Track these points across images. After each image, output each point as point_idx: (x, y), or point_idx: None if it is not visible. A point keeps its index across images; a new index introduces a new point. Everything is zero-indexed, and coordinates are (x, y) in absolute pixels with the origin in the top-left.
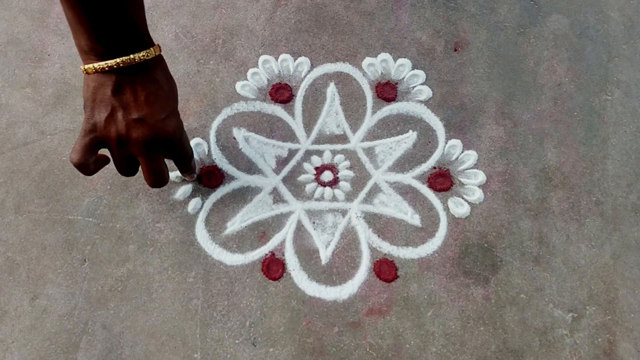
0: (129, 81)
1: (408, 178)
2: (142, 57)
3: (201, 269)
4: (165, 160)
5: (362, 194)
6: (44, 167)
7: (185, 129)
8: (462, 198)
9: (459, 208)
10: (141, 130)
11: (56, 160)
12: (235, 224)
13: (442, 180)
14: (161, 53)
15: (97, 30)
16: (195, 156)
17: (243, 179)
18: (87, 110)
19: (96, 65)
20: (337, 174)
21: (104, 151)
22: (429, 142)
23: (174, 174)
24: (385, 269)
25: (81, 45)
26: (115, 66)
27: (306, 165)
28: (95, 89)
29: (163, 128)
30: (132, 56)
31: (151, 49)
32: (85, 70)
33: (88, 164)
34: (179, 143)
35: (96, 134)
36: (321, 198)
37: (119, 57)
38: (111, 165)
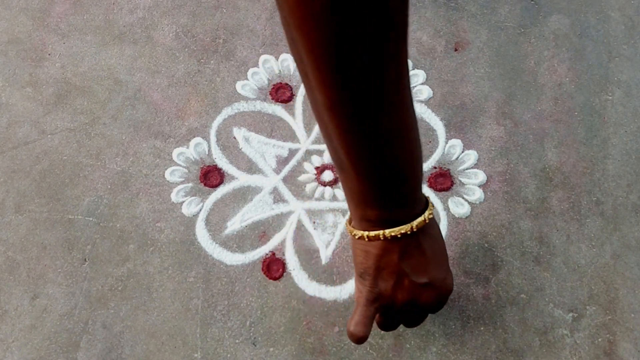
0: (415, 244)
1: None
2: (429, 217)
3: (201, 268)
4: None
5: None
6: (45, 166)
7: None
8: (463, 198)
9: (459, 208)
10: (429, 294)
11: (56, 160)
12: (236, 223)
13: (443, 180)
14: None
15: (390, 200)
16: (196, 156)
17: (243, 178)
18: (368, 279)
19: (387, 232)
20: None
21: None
22: (429, 141)
23: None
24: None
25: (367, 216)
26: (409, 232)
27: (306, 165)
28: (379, 257)
29: (446, 288)
30: (423, 217)
31: (429, 204)
32: (367, 237)
33: (367, 336)
34: (448, 296)
35: (380, 303)
36: (321, 198)
37: (408, 222)
38: (111, 165)
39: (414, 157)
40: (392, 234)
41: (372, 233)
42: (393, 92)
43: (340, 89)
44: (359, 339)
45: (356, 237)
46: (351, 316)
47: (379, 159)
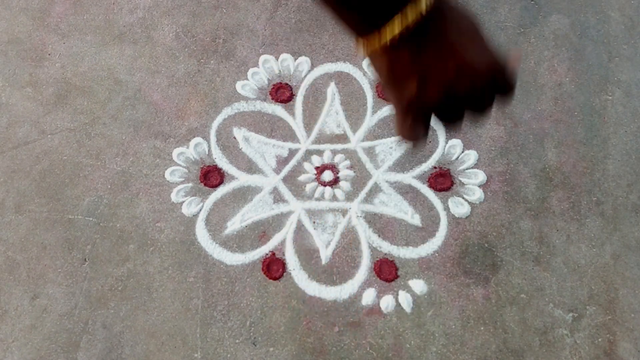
0: (424, 40)
1: (408, 178)
2: (427, 6)
3: (201, 268)
4: None
5: (363, 194)
6: (45, 166)
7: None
8: (463, 198)
9: (459, 208)
10: (464, 83)
11: (57, 160)
12: (236, 223)
13: (443, 180)
14: None
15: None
16: (196, 156)
17: (243, 178)
18: (392, 90)
19: (384, 38)
20: (337, 173)
21: None
22: (430, 141)
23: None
24: (385, 269)
25: (354, 24)
26: (405, 31)
27: (306, 165)
28: (390, 65)
29: (485, 68)
30: (415, 10)
31: None
32: (369, 49)
33: (421, 139)
34: (511, 83)
35: (415, 107)
36: (321, 198)
37: (392, 17)
38: (111, 165)
39: None
40: (387, 41)
41: (371, 48)
42: None
43: None
44: (409, 142)
45: (365, 53)
46: (395, 122)
47: None
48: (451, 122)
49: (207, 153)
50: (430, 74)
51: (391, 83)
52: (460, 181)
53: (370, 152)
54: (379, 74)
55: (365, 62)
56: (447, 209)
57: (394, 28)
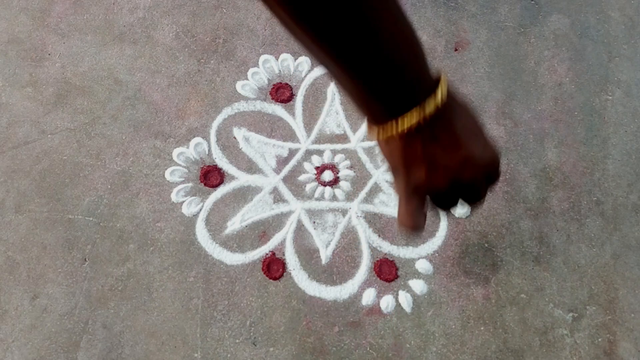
0: (434, 129)
1: None
2: (441, 100)
3: (201, 268)
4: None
5: (363, 194)
6: (45, 166)
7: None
8: None
9: (459, 208)
10: (471, 171)
11: (57, 160)
12: (236, 223)
13: None
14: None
15: (386, 90)
16: (196, 156)
17: (243, 178)
18: (399, 176)
19: (398, 129)
20: (337, 173)
21: None
22: None
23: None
24: (385, 269)
25: (373, 112)
26: (422, 123)
27: (306, 165)
28: (402, 152)
29: (488, 158)
30: (431, 106)
31: (441, 83)
32: (382, 138)
33: (421, 225)
34: (498, 166)
35: (422, 192)
36: (321, 197)
37: (412, 108)
38: (111, 165)
39: (400, 38)
40: (404, 129)
41: (385, 135)
42: None
43: None
44: (411, 229)
45: (377, 138)
46: (398, 211)
47: (355, 46)
48: (446, 208)
49: (207, 153)
50: (438, 163)
51: (401, 168)
52: None
53: (370, 152)
54: (389, 158)
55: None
56: None
57: (413, 118)
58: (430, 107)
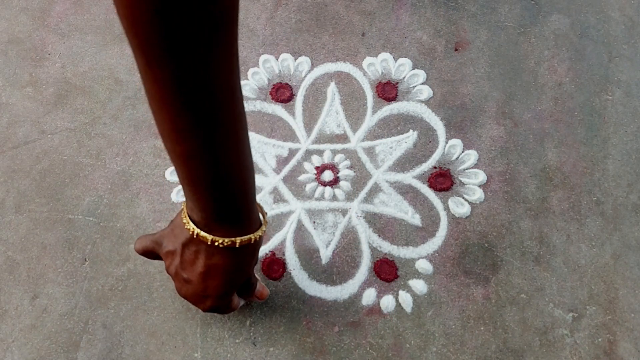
0: (204, 249)
1: (408, 178)
2: (256, 237)
3: None
4: None
5: (363, 194)
6: (45, 166)
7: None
8: (463, 198)
9: (460, 208)
10: (182, 287)
11: (57, 160)
12: None
13: (443, 179)
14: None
15: (217, 211)
16: None
17: None
18: (166, 229)
19: (210, 238)
20: (337, 173)
21: None
22: (430, 141)
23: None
24: (385, 269)
25: (192, 215)
26: (230, 244)
27: (306, 165)
28: (175, 227)
29: (199, 302)
30: (248, 237)
31: (261, 227)
32: (186, 224)
33: (143, 254)
34: (205, 311)
35: (155, 251)
36: (321, 197)
37: (232, 236)
38: (111, 165)
39: (241, 171)
40: (216, 241)
41: (195, 228)
42: (221, 90)
43: (163, 74)
44: (135, 247)
45: (182, 215)
46: (149, 234)
47: (200, 164)
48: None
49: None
50: (176, 263)
51: (171, 227)
52: (460, 181)
53: (370, 152)
54: (177, 217)
55: (365, 62)
56: (447, 209)
57: (241, 241)
58: (255, 236)
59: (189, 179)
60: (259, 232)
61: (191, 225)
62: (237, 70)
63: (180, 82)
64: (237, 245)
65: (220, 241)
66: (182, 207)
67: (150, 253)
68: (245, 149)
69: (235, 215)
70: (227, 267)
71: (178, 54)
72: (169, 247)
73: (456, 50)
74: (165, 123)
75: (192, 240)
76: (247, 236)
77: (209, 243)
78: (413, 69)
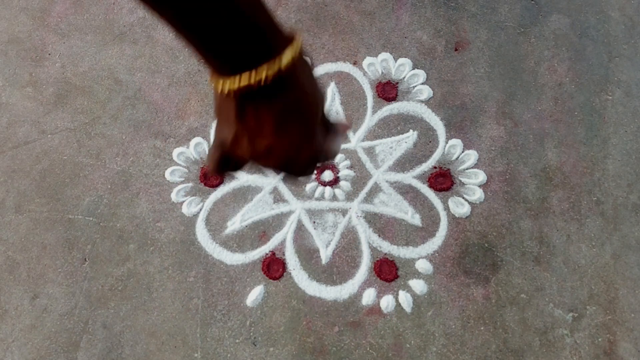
0: (256, 103)
1: (408, 178)
2: (269, 76)
3: (201, 268)
4: None
5: (363, 194)
6: (45, 166)
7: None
8: (463, 198)
9: (460, 208)
10: (269, 161)
11: (57, 160)
12: (236, 223)
13: (443, 180)
14: (299, 52)
15: (211, 45)
16: (196, 155)
17: (243, 178)
18: (217, 125)
19: (220, 85)
20: (337, 173)
21: None
22: (430, 141)
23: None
24: (385, 269)
25: (208, 61)
26: (244, 90)
27: None
28: (220, 107)
29: (295, 159)
30: (262, 73)
31: (282, 57)
32: (211, 84)
33: (222, 171)
34: (311, 168)
35: (224, 151)
36: (321, 197)
37: (240, 72)
38: (111, 165)
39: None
40: (226, 88)
41: (213, 83)
42: None
43: None
44: (210, 171)
45: (212, 85)
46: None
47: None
48: (230, 170)
49: (207, 153)
50: (244, 139)
51: (217, 119)
52: (460, 181)
53: (370, 152)
54: (218, 111)
55: (366, 62)
56: (447, 209)
57: (249, 78)
58: (272, 69)
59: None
60: (292, 51)
61: (226, 86)
62: None
63: None
64: (282, 68)
65: (255, 77)
66: (213, 85)
67: (225, 160)
68: None
69: (246, 37)
70: (296, 98)
71: None
72: (227, 135)
73: (456, 50)
74: None
75: (240, 102)
76: (275, 61)
77: (254, 87)
78: (413, 69)
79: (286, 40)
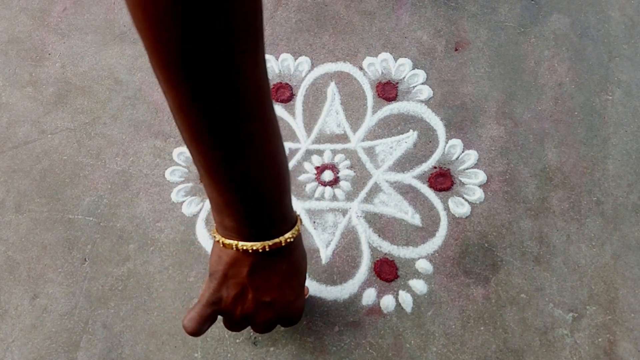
0: (267, 263)
1: (408, 178)
2: (288, 240)
3: (202, 268)
4: None
5: (363, 194)
6: (45, 166)
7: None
8: (463, 198)
9: (460, 208)
10: (268, 314)
11: (57, 160)
12: None
13: (443, 179)
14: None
15: (247, 215)
16: None
17: None
18: (214, 282)
19: (240, 244)
20: (337, 173)
21: None
22: (430, 141)
23: None
24: (385, 269)
25: (224, 224)
26: (261, 250)
27: (306, 165)
28: (229, 265)
29: (291, 312)
30: (279, 239)
31: (296, 227)
32: (222, 243)
33: (202, 332)
34: (299, 319)
35: (219, 308)
36: (321, 197)
37: (264, 239)
38: (111, 165)
39: (273, 175)
40: (245, 247)
41: (227, 241)
42: (249, 97)
43: (186, 89)
44: (191, 334)
45: (215, 239)
46: (190, 309)
47: (230, 171)
48: (236, 330)
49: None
50: (251, 294)
51: (217, 277)
52: (460, 181)
53: (370, 152)
54: (213, 261)
55: (366, 62)
56: (447, 209)
57: (257, 245)
58: (273, 242)
59: (221, 188)
60: (296, 227)
61: (248, 244)
62: (265, 73)
63: (205, 96)
64: (291, 240)
65: (275, 242)
66: (213, 246)
67: (210, 320)
68: (279, 150)
69: (273, 216)
70: (296, 260)
71: (200, 69)
72: (230, 291)
73: (456, 50)
74: (194, 141)
75: (256, 261)
76: (281, 238)
77: (267, 249)
78: (413, 68)
79: (294, 211)
